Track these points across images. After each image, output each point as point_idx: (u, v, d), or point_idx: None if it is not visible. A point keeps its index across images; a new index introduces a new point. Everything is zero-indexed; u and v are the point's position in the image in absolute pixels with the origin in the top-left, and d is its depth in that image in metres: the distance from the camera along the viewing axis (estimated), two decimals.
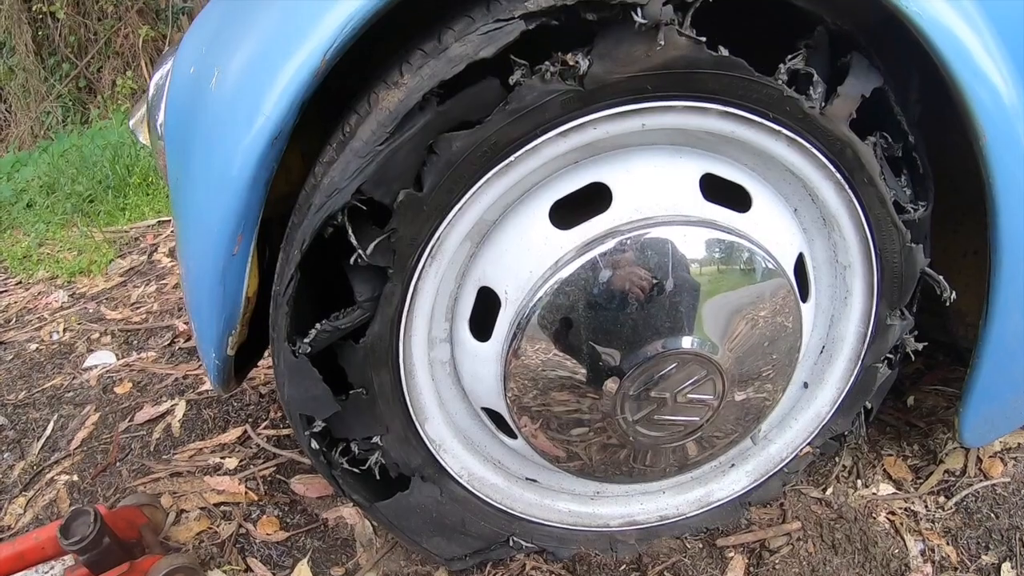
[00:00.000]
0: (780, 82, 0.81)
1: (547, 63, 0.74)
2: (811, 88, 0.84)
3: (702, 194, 0.84)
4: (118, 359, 1.96)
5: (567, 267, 0.81)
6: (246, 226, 0.82)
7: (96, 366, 1.95)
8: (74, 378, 1.90)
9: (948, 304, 1.02)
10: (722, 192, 0.86)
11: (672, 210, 0.82)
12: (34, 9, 5.34)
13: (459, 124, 0.77)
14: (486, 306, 0.88)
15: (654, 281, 0.81)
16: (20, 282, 2.68)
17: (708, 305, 0.83)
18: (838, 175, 0.89)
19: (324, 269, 0.89)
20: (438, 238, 0.83)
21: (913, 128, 0.94)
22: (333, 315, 0.85)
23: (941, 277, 1.02)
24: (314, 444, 0.94)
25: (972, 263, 1.12)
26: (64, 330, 2.19)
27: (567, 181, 0.83)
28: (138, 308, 2.27)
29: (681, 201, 0.83)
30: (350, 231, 0.81)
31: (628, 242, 0.80)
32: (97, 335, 2.11)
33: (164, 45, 5.14)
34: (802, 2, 0.82)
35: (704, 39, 0.75)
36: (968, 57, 0.82)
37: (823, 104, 0.84)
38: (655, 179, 0.83)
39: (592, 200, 0.83)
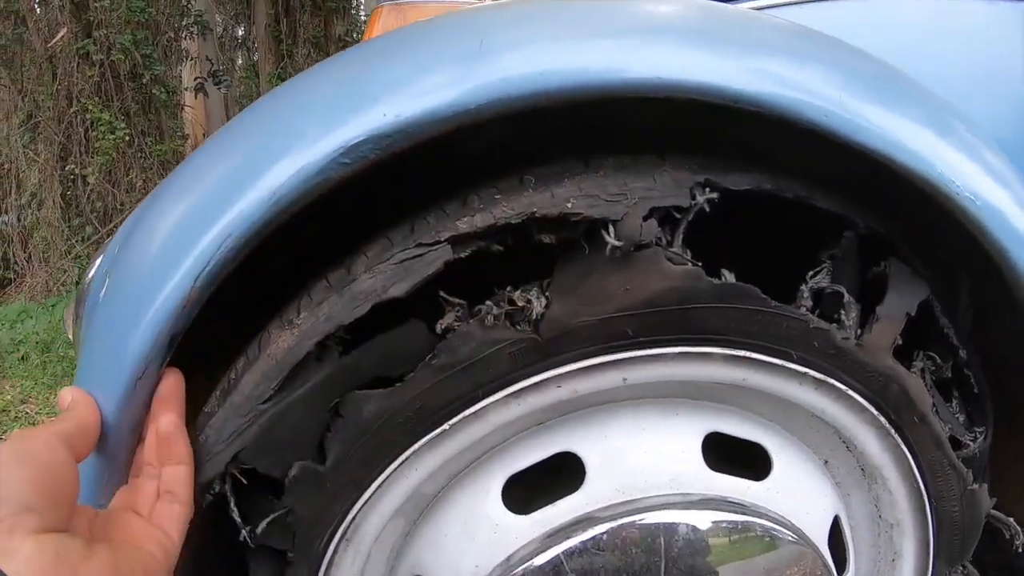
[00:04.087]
0: (804, 311, 0.57)
1: (489, 303, 0.50)
2: (842, 312, 0.60)
3: (706, 461, 0.58)
4: None
5: (521, 567, 0.54)
6: (111, 468, 0.58)
7: None
8: None
9: (1020, 550, 0.75)
10: (732, 451, 0.61)
11: (666, 488, 0.56)
12: (67, 169, 5.34)
13: (374, 380, 0.52)
14: None
15: None
16: None
17: None
18: (881, 418, 0.64)
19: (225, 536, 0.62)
20: (352, 519, 0.57)
21: (964, 341, 0.70)
22: None
23: (1011, 519, 0.75)
24: None
25: None
26: None
27: (527, 449, 0.58)
28: None
29: (678, 475, 0.57)
30: (232, 504, 0.57)
31: (605, 536, 0.53)
32: None
33: None
34: (828, 204, 0.59)
35: (700, 264, 0.52)
36: None
37: (859, 332, 0.60)
38: (642, 447, 0.58)
39: (561, 472, 0.57)
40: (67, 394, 0.54)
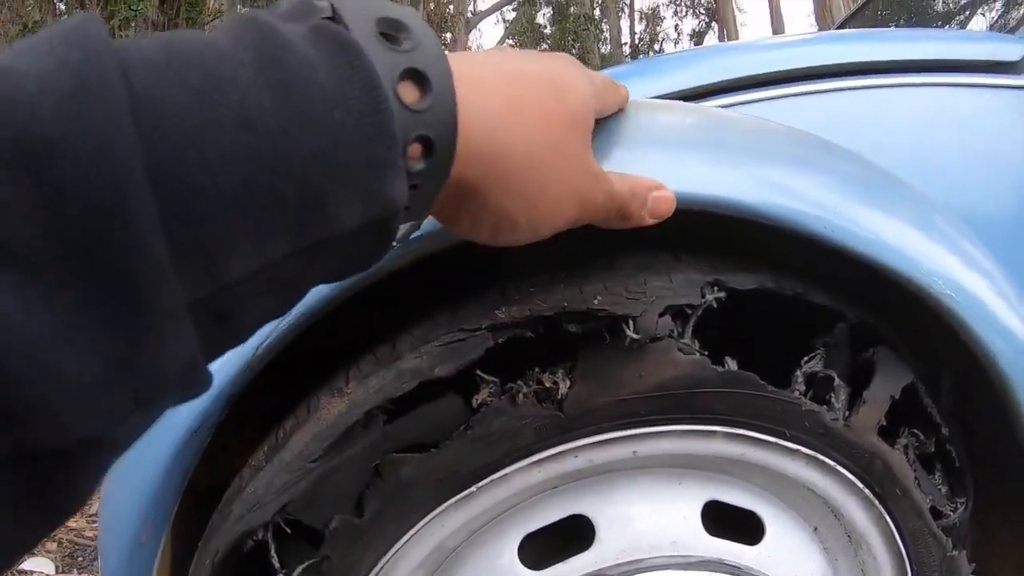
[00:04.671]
0: (797, 394, 0.62)
1: (520, 382, 0.56)
2: (832, 395, 0.65)
3: (704, 527, 0.64)
4: (57, 571, 1.69)
5: None
6: (157, 514, 0.65)
7: (32, 572, 1.68)
8: None
9: None
10: (728, 518, 0.66)
11: (668, 550, 0.62)
12: None
13: (412, 444, 0.58)
14: None
15: None
16: None
17: None
18: (866, 491, 0.69)
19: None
20: (381, 568, 0.62)
21: (946, 419, 0.75)
22: None
23: None
24: None
25: (1009, 533, 0.90)
26: None
27: (543, 511, 0.64)
28: (95, 522, 2.01)
29: (680, 538, 0.63)
30: (272, 551, 0.62)
31: None
32: None
33: None
34: (822, 299, 0.65)
35: (707, 353, 0.58)
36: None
37: (847, 414, 0.65)
38: (648, 512, 0.63)
39: (573, 533, 0.62)
40: None
